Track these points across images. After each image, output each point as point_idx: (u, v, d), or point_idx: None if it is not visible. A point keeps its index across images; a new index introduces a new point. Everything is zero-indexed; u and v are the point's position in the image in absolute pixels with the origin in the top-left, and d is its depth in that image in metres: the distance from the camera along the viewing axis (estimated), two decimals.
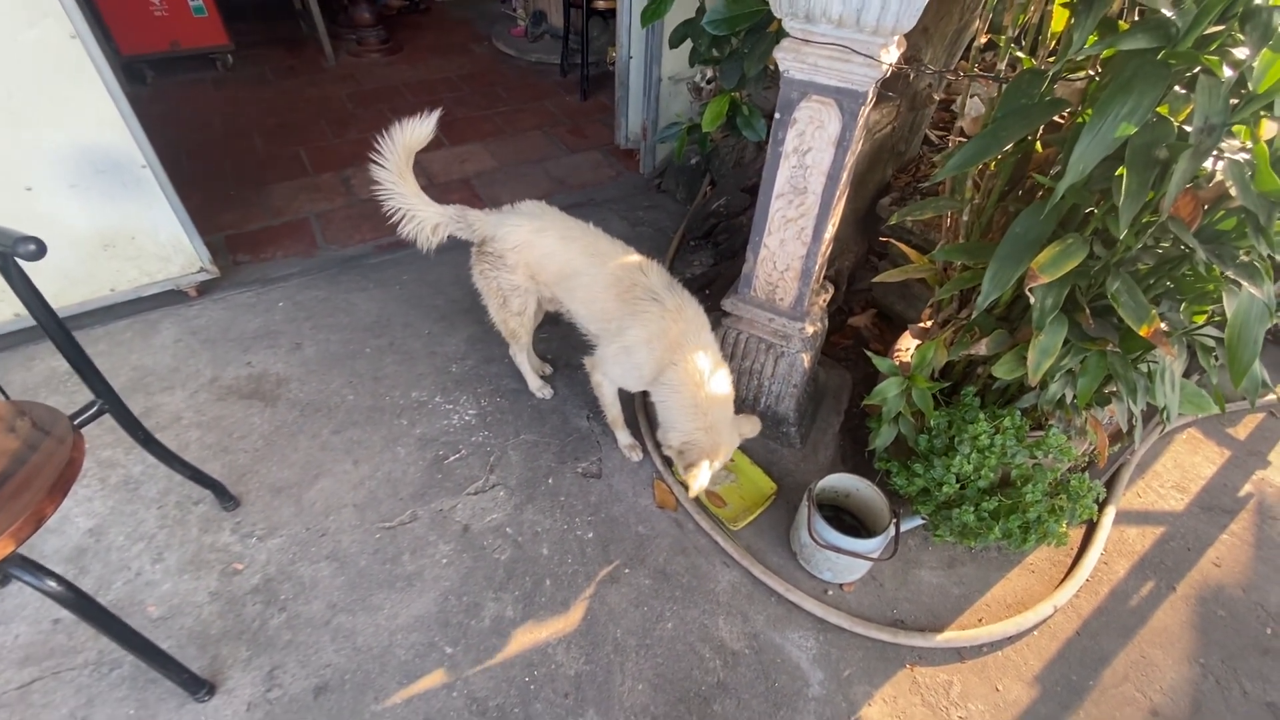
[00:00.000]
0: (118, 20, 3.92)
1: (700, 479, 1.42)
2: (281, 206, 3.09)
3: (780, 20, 1.27)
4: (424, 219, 1.74)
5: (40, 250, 1.04)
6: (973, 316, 1.45)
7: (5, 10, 1.75)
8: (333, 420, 1.92)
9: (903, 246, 1.75)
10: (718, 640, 1.48)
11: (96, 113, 1.99)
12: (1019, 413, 1.47)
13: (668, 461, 1.80)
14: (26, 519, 0.99)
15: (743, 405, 1.88)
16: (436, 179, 3.36)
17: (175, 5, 4.01)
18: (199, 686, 1.31)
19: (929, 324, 1.73)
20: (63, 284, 2.21)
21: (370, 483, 1.75)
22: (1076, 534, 1.73)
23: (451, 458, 1.82)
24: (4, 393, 1.24)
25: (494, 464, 1.81)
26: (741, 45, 1.95)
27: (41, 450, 1.10)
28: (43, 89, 1.90)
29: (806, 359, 1.74)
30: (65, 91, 1.93)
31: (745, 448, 1.81)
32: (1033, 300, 1.18)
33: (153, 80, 4.21)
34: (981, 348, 1.40)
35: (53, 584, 1.03)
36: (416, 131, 1.68)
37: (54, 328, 1.20)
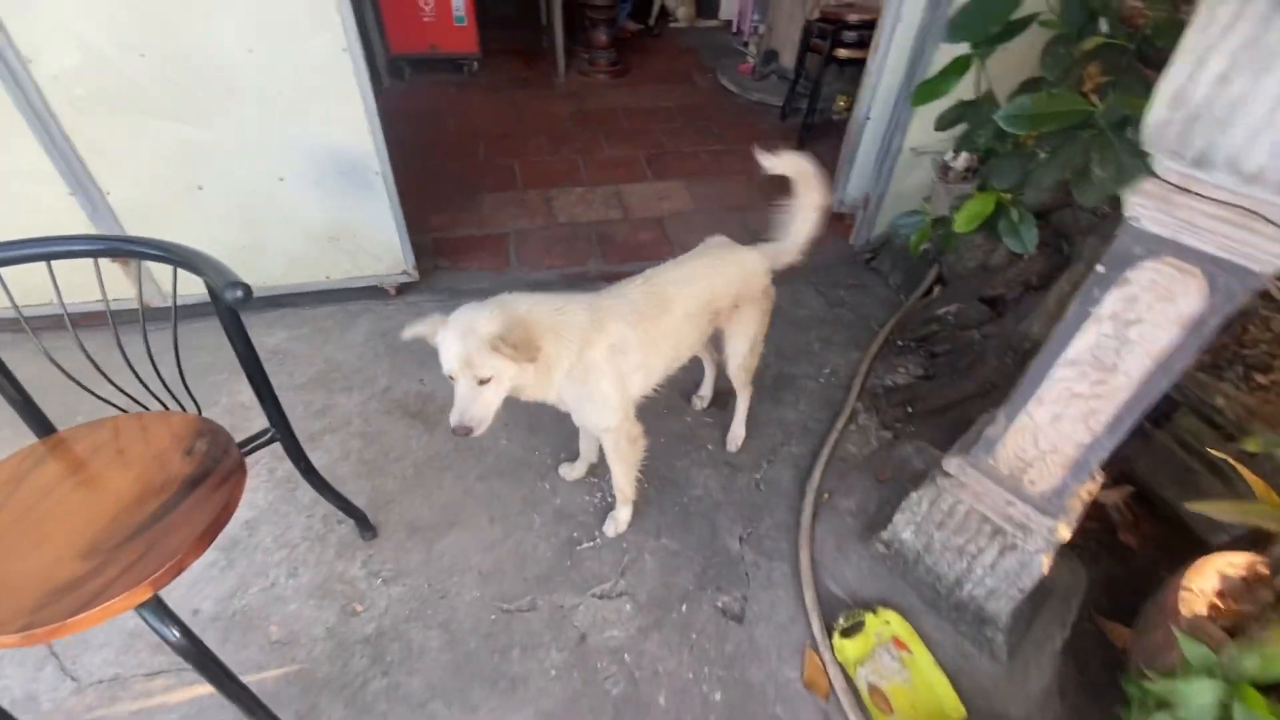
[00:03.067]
0: (394, 21, 4.37)
1: None
2: (487, 218, 3.19)
3: (1149, 154, 0.92)
4: None
5: (246, 298, 1.00)
6: None
7: (293, 20, 1.88)
8: (481, 464, 1.84)
9: (1244, 471, 1.26)
10: None
11: (350, 119, 2.11)
12: None
13: (829, 629, 1.48)
14: (170, 567, 0.95)
15: (937, 586, 1.51)
16: (632, 213, 3.29)
17: (441, 12, 4.39)
18: None
19: (1254, 567, 1.24)
20: (289, 265, 2.41)
21: (500, 549, 1.63)
22: None
23: (585, 544, 1.66)
24: (196, 403, 1.25)
25: (626, 566, 1.61)
26: (1037, 146, 1.58)
27: (206, 485, 1.07)
28: (311, 92, 2.04)
29: (1045, 561, 1.33)
30: (328, 97, 2.06)
31: (931, 642, 1.44)
32: None
33: (409, 77, 4.66)
34: None
35: (176, 634, 0.99)
36: None
37: (249, 358, 1.19)
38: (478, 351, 1.19)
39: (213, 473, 1.09)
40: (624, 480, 1.62)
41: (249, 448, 1.24)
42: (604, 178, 3.59)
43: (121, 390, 1.23)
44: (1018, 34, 1.46)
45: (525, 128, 4.09)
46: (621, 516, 1.69)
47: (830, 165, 3.88)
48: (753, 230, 3.22)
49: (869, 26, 3.48)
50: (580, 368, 1.41)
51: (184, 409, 1.26)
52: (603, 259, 2.95)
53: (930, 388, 2.06)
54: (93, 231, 2.13)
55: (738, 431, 1.94)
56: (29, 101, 1.84)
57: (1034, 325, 1.88)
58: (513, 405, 2.00)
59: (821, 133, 4.06)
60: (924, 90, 1.62)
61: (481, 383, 1.24)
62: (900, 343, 2.30)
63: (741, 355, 1.76)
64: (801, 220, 1.65)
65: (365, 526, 1.62)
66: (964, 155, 2.39)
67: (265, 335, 2.29)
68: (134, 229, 2.17)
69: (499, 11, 6.04)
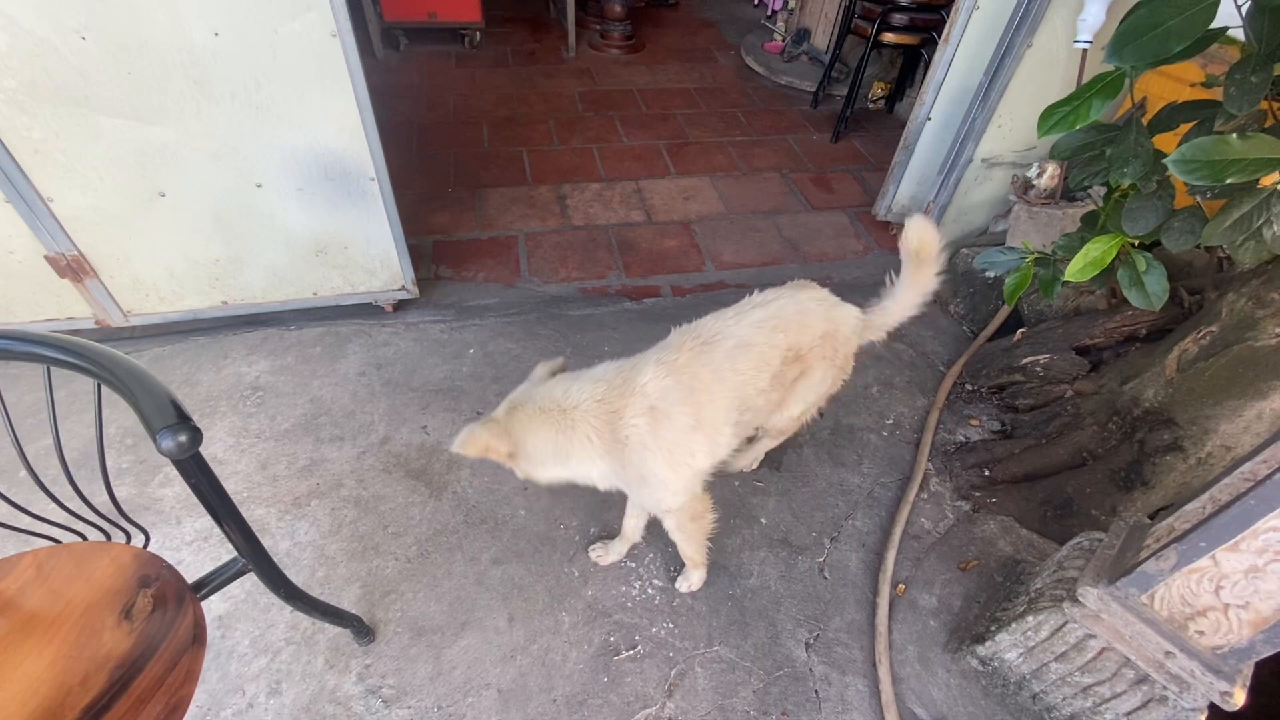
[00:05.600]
0: None
1: None
2: (493, 217, 2.86)
3: None
4: None
5: (188, 447, 0.70)
6: None
7: None
8: (497, 542, 1.57)
9: None
10: None
11: (340, 118, 1.78)
12: None
13: None
14: None
15: (1047, 717, 1.26)
16: (655, 215, 2.96)
17: None
18: None
19: None
20: (270, 281, 2.09)
21: (522, 658, 1.37)
22: None
23: (624, 653, 1.39)
24: (144, 532, 0.95)
25: (674, 683, 1.36)
26: (1194, 191, 1.28)
27: (143, 677, 0.79)
28: (293, 85, 1.70)
29: None
30: (314, 92, 1.72)
31: None
32: None
33: (405, 48, 4.24)
34: None
35: None
36: None
37: (209, 495, 0.88)
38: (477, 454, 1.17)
39: (156, 654, 0.81)
40: (692, 551, 1.41)
41: (211, 586, 0.95)
42: (622, 171, 3.25)
43: (54, 511, 0.92)
44: (1197, 52, 1.15)
45: (533, 109, 3.72)
46: (694, 579, 1.50)
47: (869, 160, 3.56)
48: (789, 239, 2.91)
49: (923, 9, 3.13)
50: (618, 446, 1.13)
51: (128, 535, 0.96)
52: (624, 271, 2.64)
53: (1011, 448, 1.79)
54: (35, 245, 1.80)
55: (755, 453, 1.70)
56: None
57: (1147, 389, 1.61)
58: None
59: (857, 123, 3.72)
60: (1056, 115, 1.30)
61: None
62: (970, 387, 2.02)
63: (791, 417, 1.49)
64: (906, 296, 1.38)
65: (361, 630, 1.35)
66: (1050, 171, 2.08)
67: (244, 364, 1.99)
68: (85, 241, 1.84)
69: None
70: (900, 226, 2.91)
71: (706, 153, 3.46)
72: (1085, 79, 1.98)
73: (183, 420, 0.69)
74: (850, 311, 1.38)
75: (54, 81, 1.55)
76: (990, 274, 1.78)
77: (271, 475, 1.66)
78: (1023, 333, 1.92)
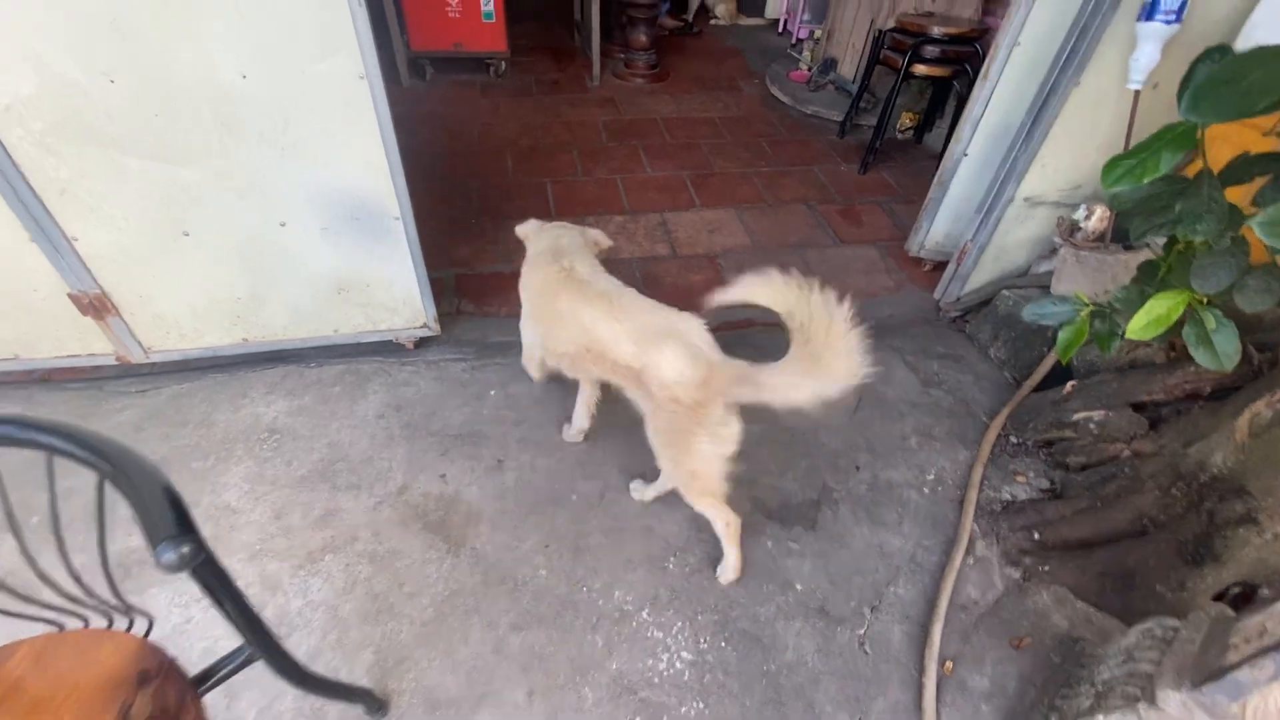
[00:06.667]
0: (416, 17, 3.98)
1: None
2: (516, 250, 2.80)
3: None
4: None
5: (184, 564, 0.63)
6: None
7: (299, 40, 1.51)
8: (517, 605, 1.49)
9: None
10: None
11: (366, 158, 1.75)
12: None
13: None
14: None
15: None
16: (680, 248, 2.90)
17: (469, 7, 3.99)
18: None
19: None
20: (291, 319, 2.06)
21: None
22: None
23: None
24: (148, 618, 0.89)
25: None
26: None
27: None
28: (320, 126, 1.67)
29: None
30: (341, 132, 1.69)
31: None
32: None
33: (431, 77, 4.26)
34: None
35: None
36: None
37: (228, 599, 0.81)
38: None
39: None
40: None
41: (216, 679, 0.89)
42: (646, 203, 3.20)
43: (53, 597, 0.86)
44: None
45: (557, 139, 3.70)
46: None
47: (898, 192, 3.48)
48: (817, 274, 2.82)
49: (956, 41, 3.07)
50: None
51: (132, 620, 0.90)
52: None
53: (1063, 510, 1.68)
54: (59, 283, 1.78)
55: (728, 560, 1.52)
56: None
57: (1214, 454, 1.50)
58: (559, 510, 1.65)
59: (884, 154, 3.64)
60: (1122, 169, 1.22)
61: None
62: (1016, 440, 1.92)
63: (667, 471, 1.45)
64: (792, 376, 1.22)
65: (374, 705, 1.28)
66: (1098, 214, 1.99)
67: (262, 404, 1.95)
68: (108, 280, 1.82)
69: (529, 2, 5.63)
70: (934, 263, 2.83)
71: (731, 184, 3.41)
72: (1138, 121, 1.90)
73: (180, 535, 0.62)
74: (672, 356, 1.25)
75: (81, 123, 1.54)
76: (1041, 323, 1.68)
77: (286, 526, 1.60)
78: (1073, 385, 1.82)
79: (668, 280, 2.72)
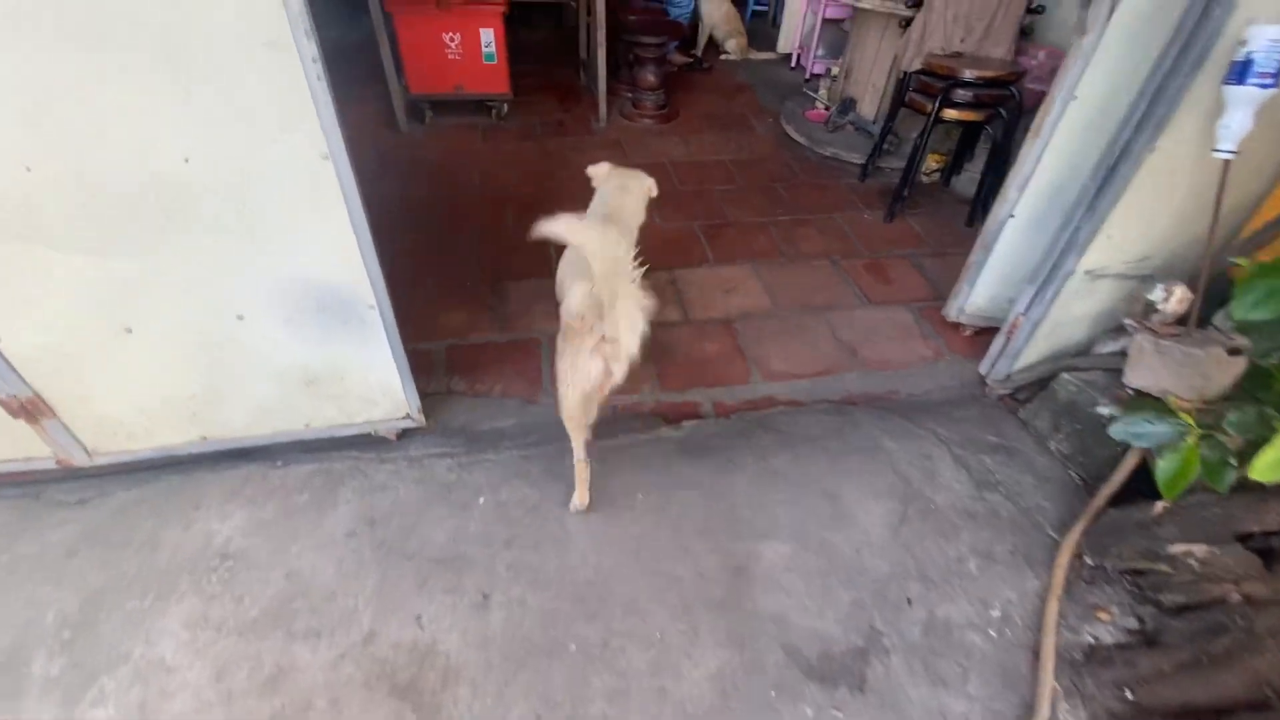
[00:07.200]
0: (414, 59, 3.82)
1: None
2: (514, 316, 2.58)
3: None
4: None
5: None
6: None
7: (250, 118, 1.29)
8: None
9: None
10: None
11: (334, 245, 1.52)
12: None
13: None
14: None
15: None
16: (693, 311, 2.66)
17: (469, 49, 3.83)
18: None
19: None
20: (255, 414, 1.82)
21: None
22: None
23: None
24: None
25: None
26: None
27: None
28: (279, 211, 1.45)
29: None
30: (304, 217, 1.47)
31: None
32: None
33: (430, 120, 4.09)
34: None
35: None
36: None
37: None
38: None
39: None
40: None
41: None
42: (654, 258, 2.92)
43: None
44: None
45: (561, 187, 3.49)
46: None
47: (927, 243, 3.22)
48: (845, 341, 2.57)
49: (990, 85, 2.84)
50: None
51: None
52: (659, 383, 2.33)
53: (1159, 663, 1.39)
54: None
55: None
56: None
57: None
58: (553, 664, 1.35)
59: (910, 199, 3.38)
60: (1261, 290, 0.97)
61: None
62: (1092, 563, 1.63)
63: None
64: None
65: None
66: (1178, 294, 1.72)
67: (217, 519, 1.70)
68: (40, 381, 1.60)
69: (531, 40, 5.50)
70: (975, 329, 2.57)
71: (747, 235, 3.17)
72: (1228, 192, 1.64)
73: None
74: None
75: None
76: (1135, 443, 1.41)
77: (227, 690, 1.34)
78: (1164, 507, 1.53)
79: (680, 351, 2.47)
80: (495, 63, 3.89)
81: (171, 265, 1.47)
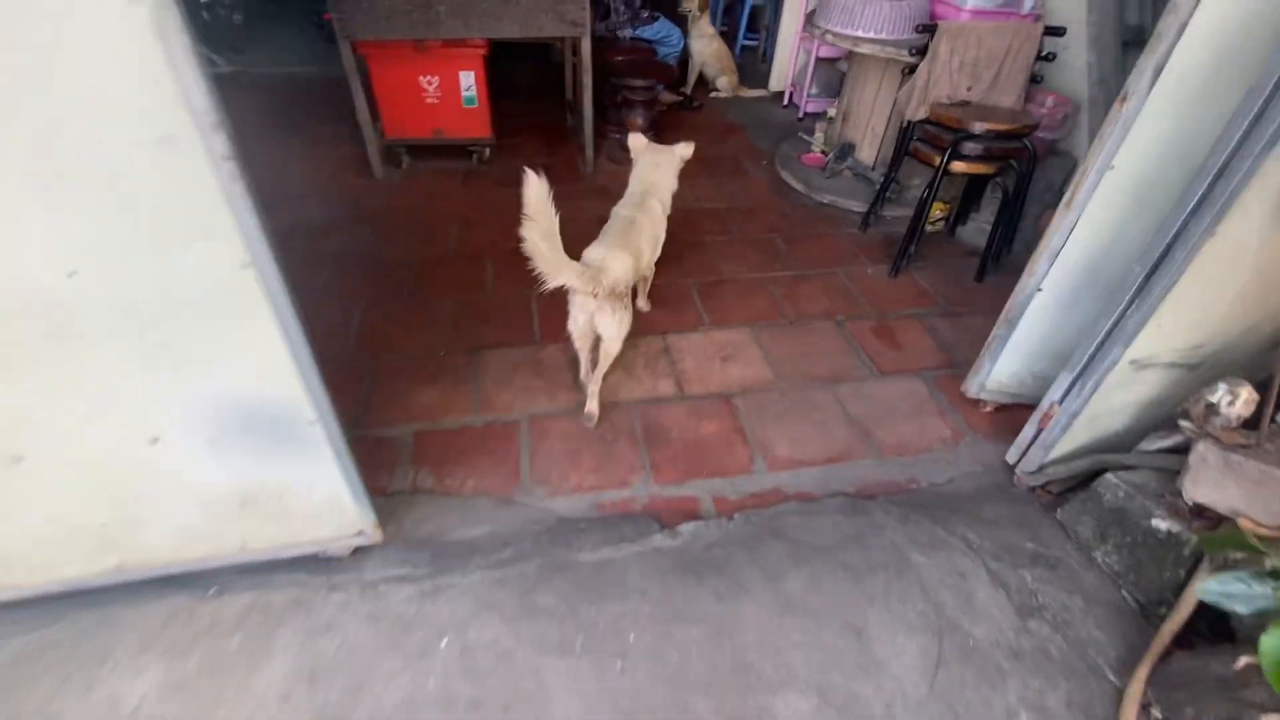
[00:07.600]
0: (390, 104, 3.62)
1: None
2: (491, 394, 2.33)
3: None
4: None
5: None
6: None
7: (149, 226, 1.06)
8: None
9: None
10: None
11: (261, 360, 1.27)
12: None
13: None
14: None
15: None
16: (688, 385, 2.43)
17: (448, 92, 3.63)
18: None
19: None
20: (182, 538, 1.56)
21: None
22: None
23: None
24: None
25: None
26: None
27: None
28: (195, 325, 1.21)
29: None
30: (225, 333, 1.22)
31: None
32: None
33: (407, 165, 3.88)
34: None
35: None
36: None
37: None
38: None
39: None
40: None
41: None
42: (646, 323, 2.74)
43: None
44: None
45: None
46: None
47: (936, 300, 3.02)
48: (857, 420, 2.33)
49: (1001, 138, 2.66)
50: None
51: None
52: (652, 474, 2.08)
53: None
54: None
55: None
56: None
57: None
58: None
59: (914, 251, 3.19)
60: None
61: None
62: (1160, 715, 1.38)
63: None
64: None
65: None
66: (1244, 396, 1.50)
67: (127, 676, 1.43)
68: None
69: (517, 76, 5.33)
70: (997, 405, 2.35)
71: (744, 294, 2.96)
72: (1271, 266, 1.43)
73: None
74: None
75: None
76: (1225, 605, 1.18)
77: None
78: (1247, 663, 1.30)
79: (675, 432, 2.23)
80: (476, 106, 3.70)
81: (64, 387, 1.22)
